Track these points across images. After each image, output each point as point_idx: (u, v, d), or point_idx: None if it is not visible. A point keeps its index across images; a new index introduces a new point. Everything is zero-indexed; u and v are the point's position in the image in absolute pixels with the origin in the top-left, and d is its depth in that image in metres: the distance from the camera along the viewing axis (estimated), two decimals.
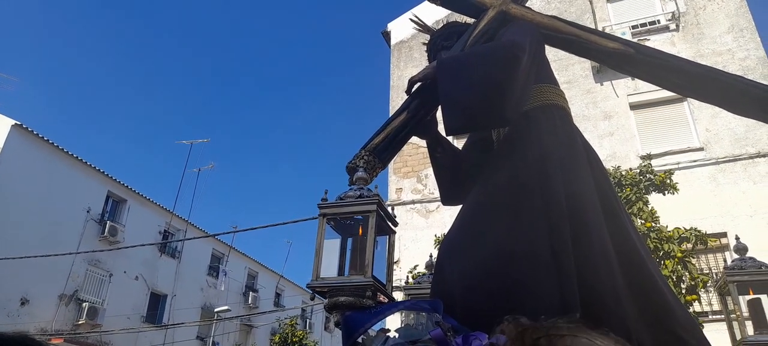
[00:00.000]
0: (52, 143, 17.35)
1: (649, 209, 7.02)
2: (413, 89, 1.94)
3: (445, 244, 1.76)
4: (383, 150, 1.88)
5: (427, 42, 2.30)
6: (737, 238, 2.77)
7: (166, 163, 62.80)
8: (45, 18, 69.75)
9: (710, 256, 9.88)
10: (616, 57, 1.85)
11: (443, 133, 1.94)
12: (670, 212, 7.68)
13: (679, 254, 6.41)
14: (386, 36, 15.20)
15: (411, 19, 2.43)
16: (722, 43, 11.74)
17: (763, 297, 2.45)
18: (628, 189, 7.21)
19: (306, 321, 27.45)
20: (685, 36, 12.16)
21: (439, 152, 2.15)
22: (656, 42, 12.01)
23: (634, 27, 12.44)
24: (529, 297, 1.47)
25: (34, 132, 16.82)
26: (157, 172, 58.95)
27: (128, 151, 62.93)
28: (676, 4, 12.45)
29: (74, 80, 65.42)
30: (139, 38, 74.64)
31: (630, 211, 6.97)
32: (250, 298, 25.59)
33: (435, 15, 8.55)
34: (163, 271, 21.01)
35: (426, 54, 2.36)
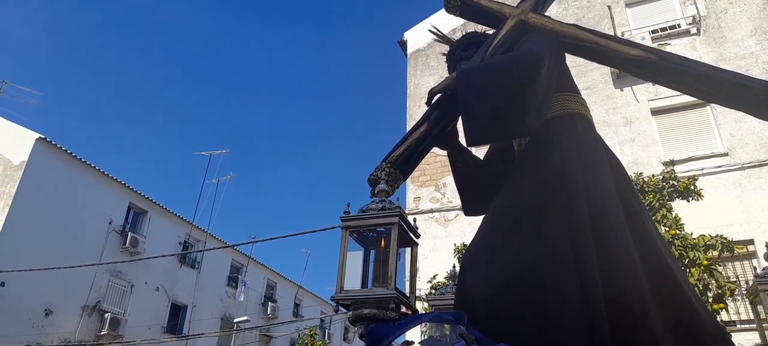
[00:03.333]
0: (75, 156, 17.68)
1: (673, 215, 6.88)
2: (433, 101, 1.94)
3: (468, 252, 1.76)
4: (404, 162, 1.88)
5: (446, 53, 2.30)
6: (767, 245, 2.69)
7: (185, 175, 63.49)
8: (67, 32, 71.42)
9: (737, 263, 9.64)
10: (638, 64, 1.82)
11: (464, 143, 1.93)
12: (694, 218, 7.51)
13: (705, 262, 6.27)
14: (403, 45, 15.24)
15: (430, 30, 2.43)
16: (745, 47, 11.52)
17: None
18: (651, 196, 7.08)
19: (325, 332, 27.44)
20: (707, 40, 11.96)
21: (460, 163, 2.14)
22: (677, 46, 11.84)
23: (653, 32, 12.26)
24: (552, 302, 1.46)
25: (58, 145, 17.17)
26: (177, 183, 59.64)
27: (149, 162, 63.90)
28: (697, 7, 12.26)
29: (96, 93, 66.78)
30: (159, 50, 75.98)
31: (653, 218, 6.85)
32: (269, 308, 25.67)
33: (452, 23, 8.55)
34: (183, 282, 21.20)
35: (444, 63, 2.36)
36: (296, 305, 29.06)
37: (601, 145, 1.82)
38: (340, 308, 1.62)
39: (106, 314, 17.41)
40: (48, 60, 64.17)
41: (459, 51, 2.22)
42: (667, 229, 6.69)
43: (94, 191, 17.89)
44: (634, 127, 11.76)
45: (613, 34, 12.26)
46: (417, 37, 14.58)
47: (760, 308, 2.51)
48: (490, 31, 2.14)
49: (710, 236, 6.65)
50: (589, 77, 12.20)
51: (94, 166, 18.23)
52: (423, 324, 1.43)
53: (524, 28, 2.01)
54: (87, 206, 17.39)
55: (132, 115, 68.14)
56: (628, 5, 13.31)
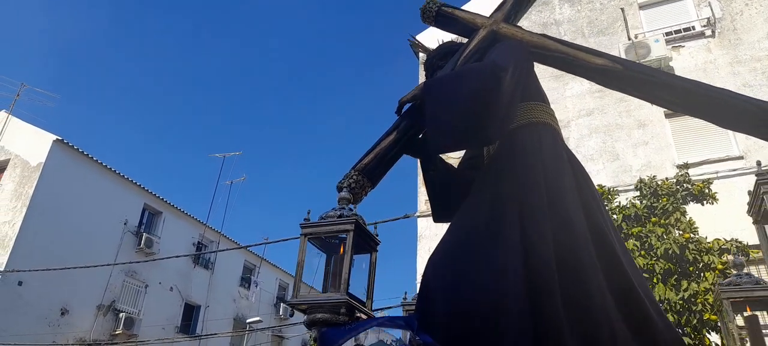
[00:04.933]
0: (92, 158, 17.98)
1: (687, 219, 6.78)
2: (403, 110, 1.97)
3: (430, 268, 1.72)
4: (373, 169, 1.92)
5: (424, 62, 2.34)
6: (735, 253, 2.66)
7: (200, 176, 64.10)
8: (83, 35, 72.71)
9: (752, 268, 9.47)
10: (603, 73, 1.84)
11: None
12: (709, 222, 7.39)
13: (720, 266, 6.16)
14: (415, 51, 15.27)
15: (408, 40, 2.47)
16: (761, 49, 11.31)
17: (762, 315, 2.33)
18: (665, 199, 6.98)
19: None
20: (722, 42, 11.76)
21: (431, 171, 2.16)
22: (691, 49, 11.68)
23: (667, 34, 12.08)
24: (509, 327, 1.42)
25: (75, 147, 17.48)
26: (191, 185, 60.26)
27: (164, 164, 64.70)
28: (712, 9, 12.08)
29: (112, 95, 67.92)
30: (174, 53, 77.01)
31: (666, 222, 6.78)
32: (281, 309, 25.82)
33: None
34: (196, 282, 21.42)
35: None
36: None
37: (564, 154, 1.82)
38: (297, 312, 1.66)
39: (121, 314, 17.66)
40: (65, 63, 65.44)
41: (436, 60, 2.26)
42: (680, 233, 6.60)
43: (109, 192, 18.18)
44: (647, 130, 11.59)
45: (626, 36, 12.16)
46: (429, 43, 14.45)
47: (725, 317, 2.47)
48: (465, 41, 2.17)
49: (725, 240, 6.54)
50: None
51: (110, 168, 18.53)
52: (374, 329, 1.46)
53: (495, 37, 2.04)
54: (103, 207, 17.68)
55: (147, 117, 69.13)
56: (641, 7, 13.14)
